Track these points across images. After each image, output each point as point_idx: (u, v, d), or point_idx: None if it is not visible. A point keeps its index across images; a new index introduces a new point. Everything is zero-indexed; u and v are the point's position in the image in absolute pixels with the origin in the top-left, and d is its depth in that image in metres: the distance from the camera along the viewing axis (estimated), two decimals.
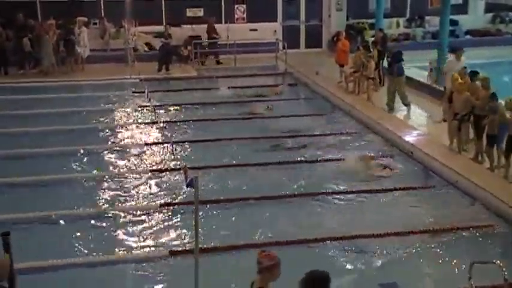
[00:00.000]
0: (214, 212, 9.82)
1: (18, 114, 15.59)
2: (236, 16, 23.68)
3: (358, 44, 18.50)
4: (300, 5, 24.07)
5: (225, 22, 22.66)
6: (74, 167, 11.96)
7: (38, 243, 8.64)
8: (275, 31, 23.16)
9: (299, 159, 12.36)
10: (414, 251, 8.59)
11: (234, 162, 12.17)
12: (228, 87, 18.73)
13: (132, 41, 21.70)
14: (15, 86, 18.45)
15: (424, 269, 8.33)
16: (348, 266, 8.25)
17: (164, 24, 21.72)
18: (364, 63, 16.43)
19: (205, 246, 8.16)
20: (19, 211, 9.57)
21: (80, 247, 8.68)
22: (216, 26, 22.45)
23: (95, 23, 22.47)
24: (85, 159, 12.37)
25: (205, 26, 22.18)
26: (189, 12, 23.38)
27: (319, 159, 12.36)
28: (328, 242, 8.77)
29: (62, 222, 9.49)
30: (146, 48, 22.58)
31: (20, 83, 18.82)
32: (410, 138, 13.04)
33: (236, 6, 23.65)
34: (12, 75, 19.75)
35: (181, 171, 10.19)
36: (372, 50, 17.14)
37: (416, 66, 18.16)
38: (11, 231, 5.37)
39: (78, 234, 9.06)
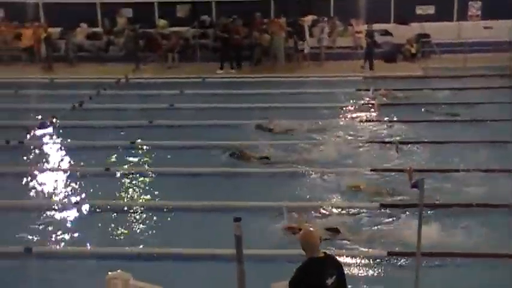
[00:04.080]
0: (438, 216, 9.44)
1: (247, 107, 16.46)
2: (469, 13, 22.56)
3: None
4: None
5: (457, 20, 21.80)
6: (298, 159, 12.27)
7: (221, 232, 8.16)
8: None
9: None
10: None
11: (462, 166, 11.57)
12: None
13: (358, 39, 21.93)
14: (246, 81, 19.64)
15: None
16: None
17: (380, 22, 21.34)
18: None
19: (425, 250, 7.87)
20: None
21: None
22: (445, 24, 21.63)
23: (324, 21, 22.98)
24: (306, 152, 12.61)
25: (435, 23, 21.51)
26: (419, 10, 22.82)
27: None
28: None
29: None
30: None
31: (250, 78, 20.00)
32: None
33: (470, 2, 22.52)
34: (244, 70, 21.06)
35: (406, 173, 10.09)
36: None
37: None
38: None
39: None
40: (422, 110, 15.90)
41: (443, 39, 21.37)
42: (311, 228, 5.68)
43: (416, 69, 20.51)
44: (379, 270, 8.11)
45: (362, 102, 16.86)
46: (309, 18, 22.75)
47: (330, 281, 5.28)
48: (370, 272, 8.07)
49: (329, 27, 22.81)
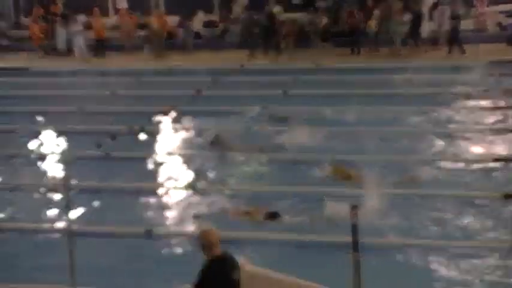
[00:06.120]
0: None
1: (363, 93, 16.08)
2: None
3: None
4: None
5: None
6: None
7: None
8: None
9: None
10: None
11: None
12: None
13: (483, 22, 20.94)
14: (361, 67, 19.28)
15: None
16: None
17: None
18: None
19: None
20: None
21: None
22: None
23: (446, 3, 22.04)
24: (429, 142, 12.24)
25: None
26: None
27: None
28: None
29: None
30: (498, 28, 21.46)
31: (367, 64, 19.62)
32: None
33: None
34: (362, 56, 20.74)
35: None
36: None
37: None
38: None
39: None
40: None
41: None
42: (210, 227, 5.67)
43: None
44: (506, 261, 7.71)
45: (486, 88, 16.04)
46: (430, 1, 21.95)
47: (234, 276, 5.36)
48: (495, 263, 7.69)
49: (451, 9, 21.87)
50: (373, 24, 21.35)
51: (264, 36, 21.99)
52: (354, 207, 5.38)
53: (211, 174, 11.12)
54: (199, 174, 11.12)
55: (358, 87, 16.57)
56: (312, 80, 18.03)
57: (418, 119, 13.61)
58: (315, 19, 22.35)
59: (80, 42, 23.12)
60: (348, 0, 21.90)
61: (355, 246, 5.48)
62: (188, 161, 11.88)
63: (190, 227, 9.09)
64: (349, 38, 21.43)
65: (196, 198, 10.14)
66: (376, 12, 21.55)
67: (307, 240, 8.42)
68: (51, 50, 24.04)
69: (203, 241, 5.47)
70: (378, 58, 20.29)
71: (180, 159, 12.01)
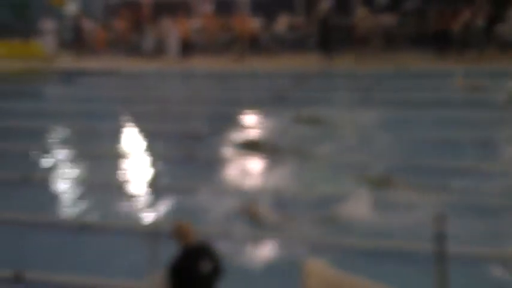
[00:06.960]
0: None
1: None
2: None
3: None
4: None
5: None
6: None
7: None
8: None
9: None
10: None
11: None
12: None
13: None
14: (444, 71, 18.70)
15: None
16: None
17: None
18: None
19: None
20: None
21: None
22: None
23: None
24: None
25: None
26: None
27: None
28: None
29: None
30: None
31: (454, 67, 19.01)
32: None
33: None
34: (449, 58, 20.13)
35: None
36: None
37: None
38: None
39: None
40: None
41: None
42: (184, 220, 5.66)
43: None
44: None
45: None
46: None
47: (206, 268, 5.28)
48: None
49: None
50: (459, 26, 20.65)
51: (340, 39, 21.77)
52: (442, 216, 5.20)
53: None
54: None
55: (442, 92, 16.10)
56: (395, 84, 17.69)
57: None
58: (400, 21, 21.90)
59: (172, 43, 23.70)
60: (435, 2, 21.17)
61: (441, 256, 5.30)
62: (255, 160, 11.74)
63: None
64: (435, 41, 20.85)
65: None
66: (464, 15, 20.84)
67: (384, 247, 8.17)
68: (135, 51, 24.76)
69: (175, 229, 5.53)
70: (464, 62, 19.57)
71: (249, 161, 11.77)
